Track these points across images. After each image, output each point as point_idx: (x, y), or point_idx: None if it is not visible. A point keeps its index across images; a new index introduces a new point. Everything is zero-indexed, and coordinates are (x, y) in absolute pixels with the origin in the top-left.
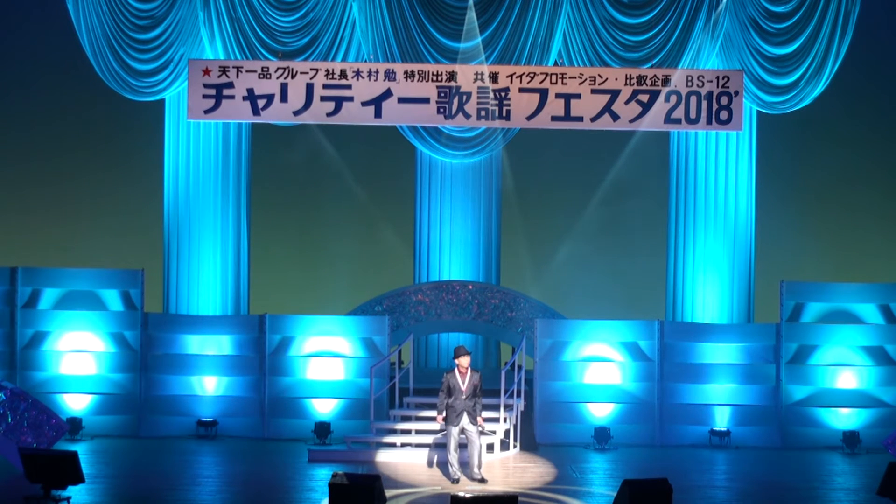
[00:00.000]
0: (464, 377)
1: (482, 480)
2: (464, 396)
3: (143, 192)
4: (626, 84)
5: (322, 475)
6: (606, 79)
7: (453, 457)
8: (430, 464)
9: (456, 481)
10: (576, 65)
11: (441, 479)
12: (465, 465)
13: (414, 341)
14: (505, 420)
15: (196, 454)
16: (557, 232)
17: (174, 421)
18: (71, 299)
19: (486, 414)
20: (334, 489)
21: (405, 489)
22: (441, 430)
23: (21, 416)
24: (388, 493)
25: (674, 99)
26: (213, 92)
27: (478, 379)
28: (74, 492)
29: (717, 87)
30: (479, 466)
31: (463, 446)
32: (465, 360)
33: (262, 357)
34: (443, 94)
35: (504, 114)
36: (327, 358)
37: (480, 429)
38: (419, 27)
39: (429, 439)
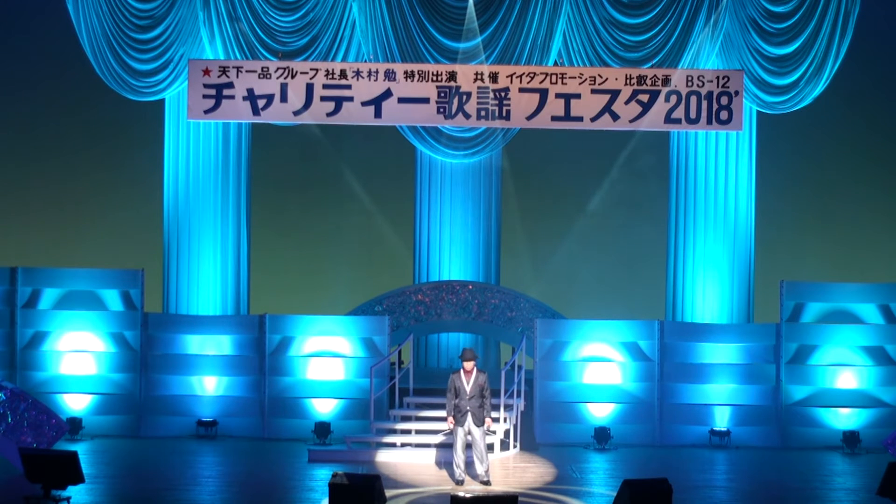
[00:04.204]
0: (468, 378)
1: (486, 483)
2: (468, 397)
3: (143, 192)
4: (626, 84)
5: (322, 475)
6: (606, 79)
7: (459, 457)
8: (430, 464)
9: (460, 482)
10: (576, 65)
11: (441, 479)
12: (470, 464)
13: (414, 341)
14: (505, 420)
15: (196, 454)
16: (557, 232)
17: (174, 421)
18: (71, 299)
19: None
20: (334, 489)
21: (405, 489)
22: (441, 431)
23: (21, 416)
24: (388, 493)
25: (674, 99)
26: (213, 92)
27: (483, 380)
28: (74, 492)
29: (717, 87)
30: (486, 469)
31: (470, 446)
32: (468, 365)
33: (262, 357)
34: (443, 94)
35: (504, 114)
36: (327, 358)
37: (486, 430)
38: (419, 27)
39: (429, 439)
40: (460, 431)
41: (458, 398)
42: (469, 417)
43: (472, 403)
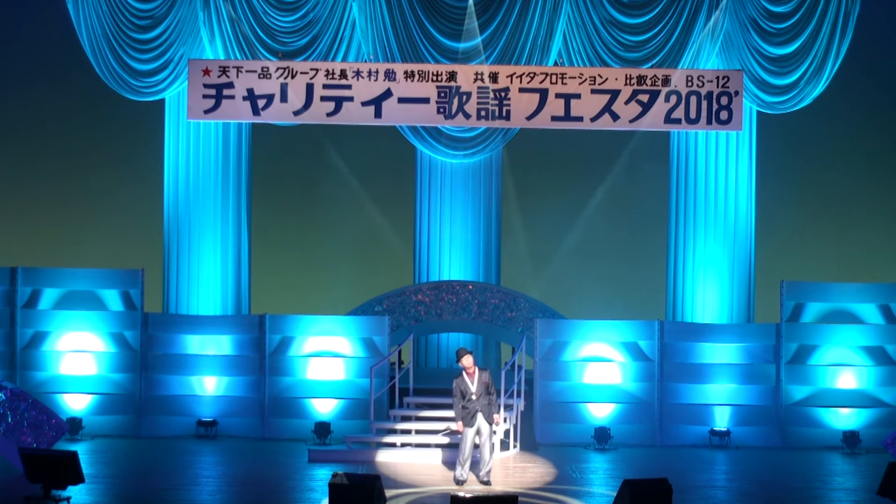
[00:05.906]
0: (472, 378)
1: (486, 483)
2: (475, 397)
3: (143, 192)
4: (626, 84)
5: (322, 475)
6: (606, 79)
7: (465, 457)
8: (430, 464)
9: (461, 482)
10: (576, 65)
11: (441, 479)
12: (474, 464)
13: (414, 341)
14: (505, 420)
15: (196, 454)
16: (557, 232)
17: (174, 421)
18: (71, 299)
19: None
20: (334, 489)
21: (405, 489)
22: (442, 432)
23: (21, 416)
24: (388, 493)
25: (674, 99)
26: (213, 92)
27: (487, 377)
28: (74, 492)
29: (717, 87)
30: (488, 469)
31: (477, 447)
32: (466, 361)
33: (262, 357)
34: (443, 94)
35: (504, 114)
36: (327, 358)
37: (496, 427)
38: (419, 27)
39: (429, 439)
40: (470, 433)
41: (465, 400)
42: (479, 417)
43: (480, 403)
